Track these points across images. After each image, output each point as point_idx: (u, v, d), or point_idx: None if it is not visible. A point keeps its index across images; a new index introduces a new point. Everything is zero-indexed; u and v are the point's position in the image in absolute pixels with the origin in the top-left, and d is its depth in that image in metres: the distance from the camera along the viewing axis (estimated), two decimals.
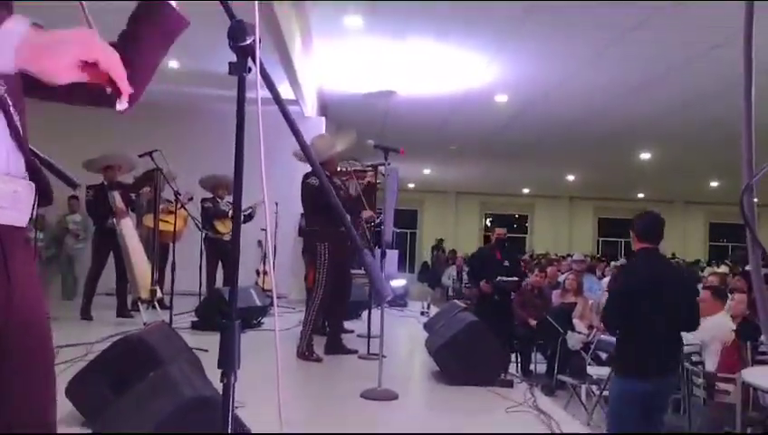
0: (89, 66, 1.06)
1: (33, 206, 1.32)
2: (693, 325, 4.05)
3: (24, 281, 1.29)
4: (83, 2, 1.29)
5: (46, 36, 1.02)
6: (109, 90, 1.12)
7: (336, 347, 5.57)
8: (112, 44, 1.40)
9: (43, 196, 1.34)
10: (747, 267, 14.08)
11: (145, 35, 1.44)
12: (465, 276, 15.79)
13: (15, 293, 1.26)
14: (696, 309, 4.02)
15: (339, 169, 5.71)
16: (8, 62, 1.00)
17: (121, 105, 1.19)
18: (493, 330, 6.84)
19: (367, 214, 5.83)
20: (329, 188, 1.52)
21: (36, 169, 1.33)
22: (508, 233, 8.31)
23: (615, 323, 3.88)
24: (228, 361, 1.33)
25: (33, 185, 1.31)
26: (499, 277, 7.14)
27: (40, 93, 1.37)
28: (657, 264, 3.96)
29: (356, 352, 5.55)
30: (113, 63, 1.08)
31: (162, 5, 1.46)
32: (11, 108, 1.26)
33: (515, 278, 7.36)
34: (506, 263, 7.34)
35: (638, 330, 3.65)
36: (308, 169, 5.50)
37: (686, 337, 5.10)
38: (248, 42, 1.31)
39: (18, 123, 1.27)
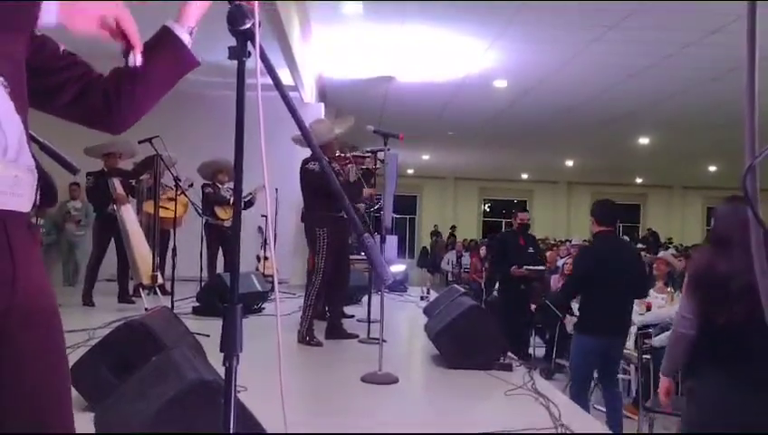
0: (105, 25, 1.24)
1: (36, 192, 1.32)
2: (643, 293, 5.29)
3: (28, 266, 1.29)
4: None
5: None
6: (124, 45, 1.28)
7: (336, 332, 5.60)
8: (120, 69, 1.44)
9: (45, 194, 1.35)
10: None
11: (154, 68, 1.45)
12: (464, 261, 15.84)
13: (20, 278, 1.27)
14: (645, 279, 5.22)
15: (338, 154, 5.71)
16: (52, 17, 1.16)
17: (135, 59, 1.32)
18: (513, 318, 6.85)
19: (367, 192, 5.84)
20: (330, 173, 1.54)
21: (39, 167, 1.35)
22: (506, 218, 8.14)
23: (567, 304, 5.00)
24: (231, 344, 1.34)
25: (36, 172, 1.32)
26: (525, 266, 6.95)
27: (36, 103, 1.39)
28: (615, 245, 4.84)
29: (356, 336, 5.59)
30: (128, 21, 1.26)
31: (176, 42, 1.47)
32: (15, 107, 1.27)
33: (542, 267, 7.10)
34: (531, 249, 7.06)
35: (597, 299, 4.45)
36: (307, 153, 5.52)
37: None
38: (247, 26, 1.32)
39: (22, 121, 1.28)
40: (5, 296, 1.25)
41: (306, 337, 5.24)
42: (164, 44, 1.46)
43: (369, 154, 5.93)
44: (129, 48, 1.27)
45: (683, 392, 4.37)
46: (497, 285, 7.95)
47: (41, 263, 1.38)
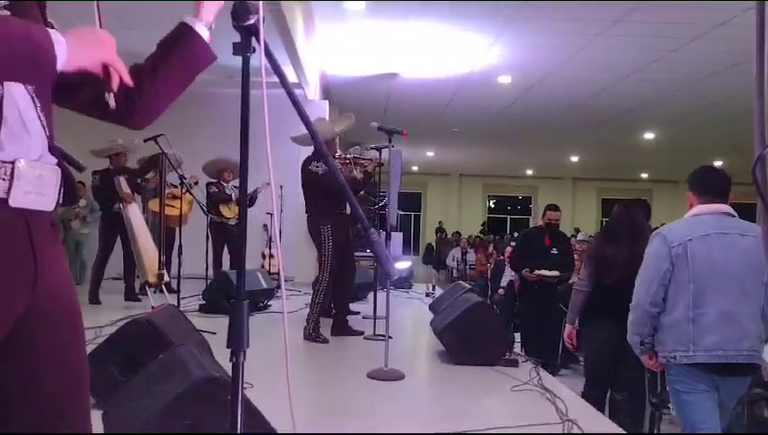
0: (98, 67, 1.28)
1: (59, 191, 1.33)
2: None
3: (50, 266, 1.30)
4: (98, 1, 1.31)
5: (78, 37, 1.21)
6: (108, 85, 1.30)
7: (342, 328, 5.62)
8: (139, 66, 1.45)
9: (68, 192, 1.36)
10: None
11: (171, 63, 1.46)
12: (469, 258, 15.83)
13: (42, 278, 1.27)
14: None
15: (339, 155, 5.74)
16: (61, 63, 1.17)
17: (111, 101, 1.33)
18: (533, 323, 6.58)
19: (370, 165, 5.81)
20: (336, 169, 1.53)
21: (62, 166, 1.35)
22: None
23: None
24: (237, 340, 1.34)
25: (59, 170, 1.32)
26: (538, 271, 6.35)
27: (58, 100, 1.40)
28: None
29: (362, 333, 5.60)
30: (120, 66, 1.30)
31: (195, 37, 1.47)
32: (38, 107, 1.28)
33: (555, 273, 6.31)
34: (554, 250, 6.40)
35: None
36: (308, 152, 5.55)
37: None
38: (252, 21, 1.32)
39: (44, 121, 1.29)
40: (27, 296, 1.25)
41: (312, 334, 5.25)
42: (183, 40, 1.47)
43: (368, 159, 5.91)
44: (110, 88, 1.30)
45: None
46: (518, 289, 7.36)
47: (64, 261, 1.38)
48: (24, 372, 1.27)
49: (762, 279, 2.87)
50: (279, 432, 2.40)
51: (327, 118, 8.77)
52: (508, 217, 25.16)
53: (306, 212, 5.52)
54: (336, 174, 1.50)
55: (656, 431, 4.36)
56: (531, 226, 22.90)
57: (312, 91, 9.40)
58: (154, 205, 7.14)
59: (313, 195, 5.41)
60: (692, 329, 2.85)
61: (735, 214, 3.02)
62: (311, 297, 5.41)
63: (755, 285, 2.86)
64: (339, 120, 6.08)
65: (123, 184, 6.75)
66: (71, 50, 1.17)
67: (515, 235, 18.48)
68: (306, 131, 1.48)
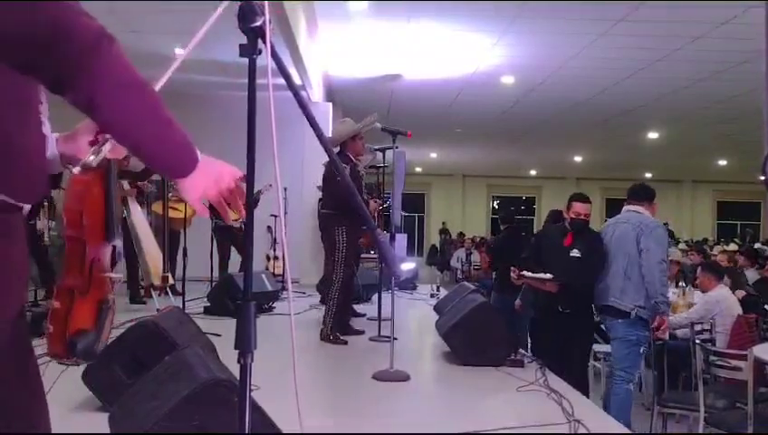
0: None
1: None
2: None
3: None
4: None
5: (203, 174, 1.31)
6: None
7: (344, 329, 5.61)
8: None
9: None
10: (756, 245, 14.04)
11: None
12: (473, 258, 15.82)
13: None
14: None
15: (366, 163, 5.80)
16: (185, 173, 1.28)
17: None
18: (548, 338, 5.03)
19: (373, 206, 5.92)
20: (342, 171, 1.53)
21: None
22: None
23: None
24: (245, 341, 1.35)
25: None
26: (523, 273, 5.00)
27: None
28: None
29: (363, 332, 5.63)
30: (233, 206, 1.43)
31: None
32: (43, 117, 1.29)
33: (547, 276, 4.83)
34: (575, 252, 4.90)
35: None
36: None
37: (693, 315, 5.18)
38: (258, 23, 1.32)
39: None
40: (26, 296, 1.28)
41: (330, 336, 5.26)
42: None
43: (379, 168, 5.96)
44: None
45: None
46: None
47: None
48: (18, 368, 1.28)
49: (626, 251, 4.53)
50: (286, 433, 2.40)
51: (330, 121, 8.79)
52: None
53: (321, 208, 5.53)
54: (341, 176, 1.50)
55: (662, 431, 4.36)
56: (535, 227, 22.83)
57: (316, 93, 9.40)
58: (158, 208, 7.14)
59: (330, 194, 5.42)
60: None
61: (642, 212, 4.68)
62: (327, 298, 5.39)
63: (619, 255, 4.57)
64: (363, 121, 6.10)
65: (126, 187, 6.75)
66: (194, 180, 1.28)
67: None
68: (325, 134, 1.48)
